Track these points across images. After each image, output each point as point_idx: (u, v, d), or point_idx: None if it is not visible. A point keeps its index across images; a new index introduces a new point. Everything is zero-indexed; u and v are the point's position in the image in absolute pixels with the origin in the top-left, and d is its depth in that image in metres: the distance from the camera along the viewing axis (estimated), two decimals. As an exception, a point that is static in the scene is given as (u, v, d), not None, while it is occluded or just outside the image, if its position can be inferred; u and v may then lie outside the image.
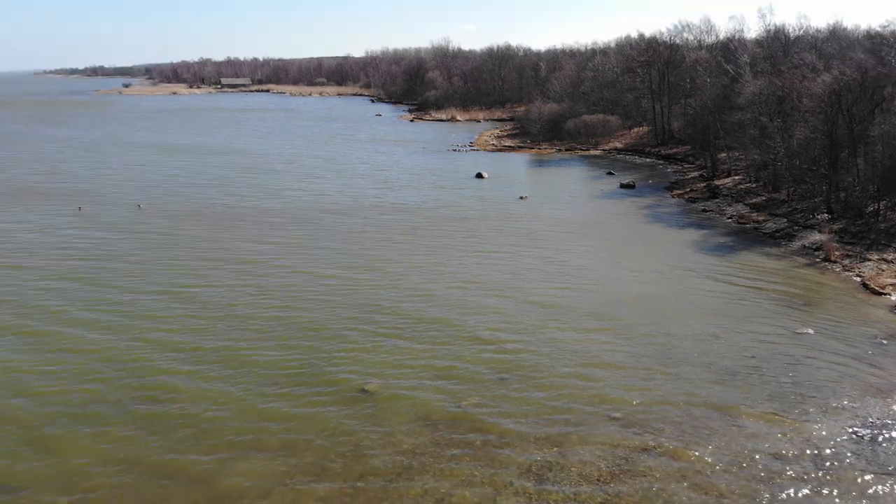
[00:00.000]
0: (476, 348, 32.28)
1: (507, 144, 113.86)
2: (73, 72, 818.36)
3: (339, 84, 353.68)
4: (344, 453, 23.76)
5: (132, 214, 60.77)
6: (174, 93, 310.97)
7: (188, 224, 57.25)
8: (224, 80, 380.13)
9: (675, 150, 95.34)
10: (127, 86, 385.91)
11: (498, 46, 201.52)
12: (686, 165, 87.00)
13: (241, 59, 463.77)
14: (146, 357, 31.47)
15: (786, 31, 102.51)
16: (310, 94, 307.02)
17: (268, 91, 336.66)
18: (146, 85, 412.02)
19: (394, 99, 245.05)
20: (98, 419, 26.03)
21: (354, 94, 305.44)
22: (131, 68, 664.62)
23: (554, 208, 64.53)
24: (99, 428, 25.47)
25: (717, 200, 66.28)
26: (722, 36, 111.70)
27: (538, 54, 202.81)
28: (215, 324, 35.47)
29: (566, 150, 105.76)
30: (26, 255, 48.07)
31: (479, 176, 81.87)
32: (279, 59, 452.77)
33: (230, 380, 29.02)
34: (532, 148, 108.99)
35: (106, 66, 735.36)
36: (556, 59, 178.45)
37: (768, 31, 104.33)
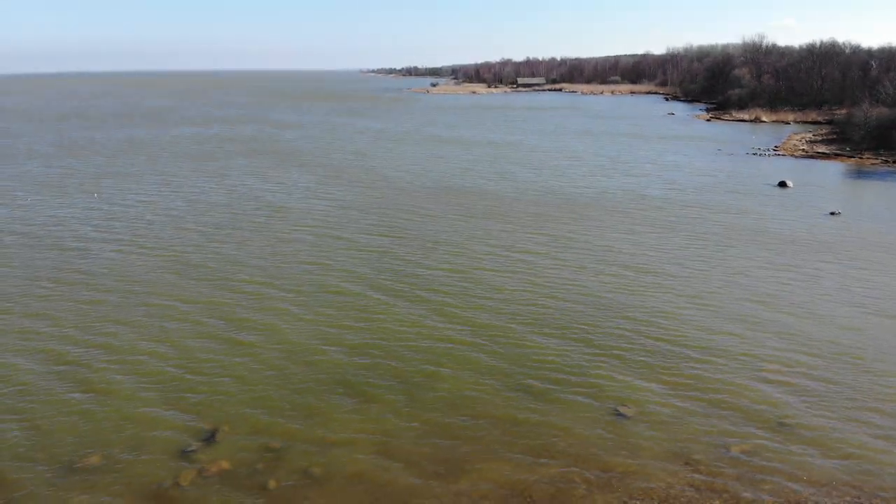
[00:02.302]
0: (758, 383, 27.84)
1: (819, 151, 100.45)
2: (391, 71, 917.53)
3: (634, 82, 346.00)
4: (589, 478, 21.70)
5: (421, 198, 64.41)
6: (473, 92, 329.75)
7: (470, 211, 59.10)
8: (520, 80, 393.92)
9: None
10: (434, 85, 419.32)
11: (821, 42, 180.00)
12: None
13: (540, 58, 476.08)
14: (424, 327, 32.95)
15: None
16: (601, 93, 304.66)
17: (559, 90, 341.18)
18: (450, 84, 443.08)
19: (690, 97, 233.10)
20: (367, 383, 27.17)
21: (648, 93, 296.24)
22: (440, 68, 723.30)
23: (873, 228, 54.68)
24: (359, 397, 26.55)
25: None
26: None
27: (869, 52, 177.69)
28: (485, 303, 36.33)
29: (894, 162, 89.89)
30: (337, 228, 53.65)
31: (783, 184, 72.91)
32: (576, 59, 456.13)
33: (489, 367, 28.59)
34: (851, 157, 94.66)
35: (419, 66, 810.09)
36: (891, 58, 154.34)
37: None
